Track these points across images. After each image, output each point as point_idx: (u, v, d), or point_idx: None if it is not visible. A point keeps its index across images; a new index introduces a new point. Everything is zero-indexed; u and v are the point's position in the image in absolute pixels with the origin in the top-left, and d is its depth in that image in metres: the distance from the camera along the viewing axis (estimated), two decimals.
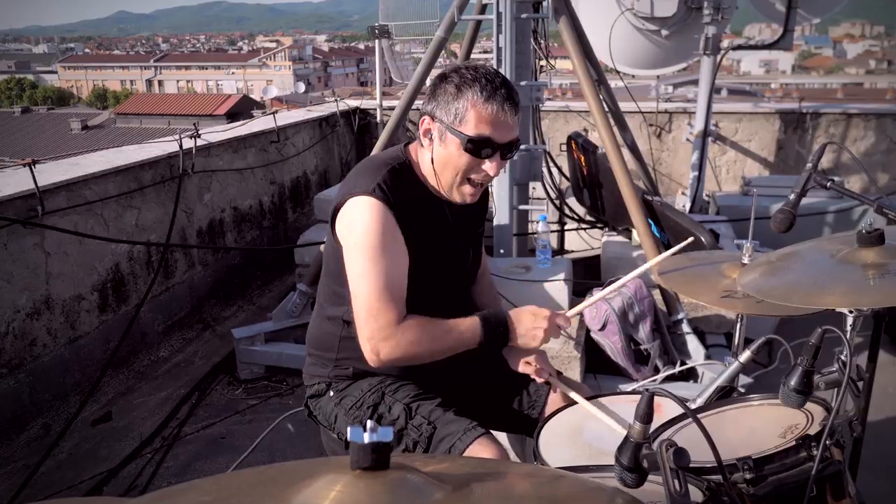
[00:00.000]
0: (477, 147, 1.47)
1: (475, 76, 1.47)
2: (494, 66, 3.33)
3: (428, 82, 3.63)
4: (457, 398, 1.69)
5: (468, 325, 1.51)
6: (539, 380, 1.68)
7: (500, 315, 1.56)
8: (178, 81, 63.61)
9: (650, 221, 3.34)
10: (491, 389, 1.78)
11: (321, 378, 1.72)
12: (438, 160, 1.53)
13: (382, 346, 1.46)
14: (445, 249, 1.65)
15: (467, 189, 1.54)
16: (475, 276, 1.86)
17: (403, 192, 1.54)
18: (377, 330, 1.45)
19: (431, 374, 1.70)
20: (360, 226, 1.49)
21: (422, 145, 1.57)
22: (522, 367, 1.67)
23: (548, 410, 1.68)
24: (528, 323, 1.53)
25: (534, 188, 4.33)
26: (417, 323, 1.48)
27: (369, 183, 1.51)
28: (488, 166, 1.50)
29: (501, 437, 1.91)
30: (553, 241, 4.35)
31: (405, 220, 1.53)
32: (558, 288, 3.15)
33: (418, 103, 4.83)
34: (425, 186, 1.60)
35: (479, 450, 1.50)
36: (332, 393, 1.69)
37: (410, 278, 1.54)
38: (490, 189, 2.93)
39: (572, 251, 4.55)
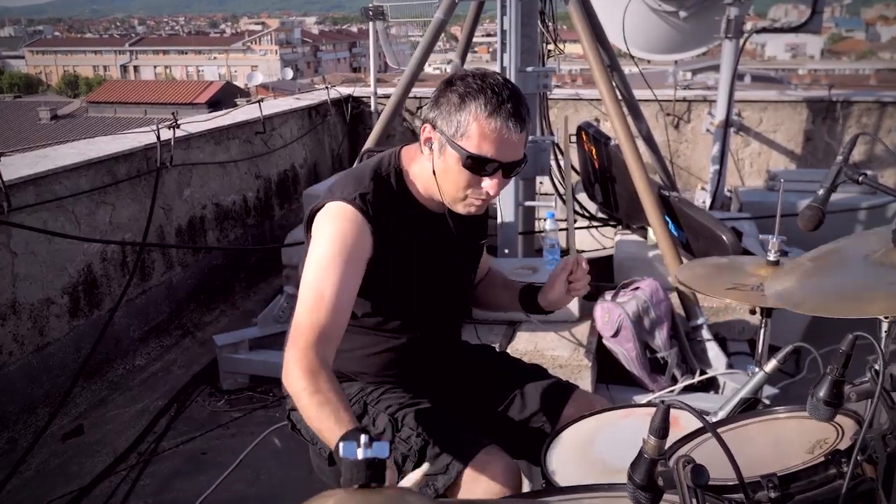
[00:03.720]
0: (476, 164, 1.47)
1: (481, 87, 1.45)
2: (500, 54, 3.34)
3: (428, 69, 3.62)
4: (449, 408, 1.68)
5: (332, 427, 1.30)
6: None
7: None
8: (155, 67, 63.62)
9: (667, 219, 3.35)
10: (488, 399, 1.76)
11: None
12: (439, 172, 1.54)
13: (286, 369, 1.39)
14: (431, 264, 1.66)
15: (470, 202, 1.55)
16: (469, 288, 1.86)
17: (390, 204, 1.57)
18: (292, 349, 1.40)
19: (419, 380, 1.70)
20: (328, 232, 1.51)
21: (421, 152, 1.58)
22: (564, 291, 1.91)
23: (557, 424, 1.68)
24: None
25: (541, 183, 4.34)
26: (311, 377, 1.35)
27: (353, 191, 1.54)
28: (488, 185, 1.50)
29: None
30: (562, 239, 4.35)
31: (388, 235, 1.55)
32: None
33: (416, 91, 4.85)
34: (415, 199, 1.62)
35: (487, 461, 1.47)
36: None
37: (395, 295, 1.60)
38: None
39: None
